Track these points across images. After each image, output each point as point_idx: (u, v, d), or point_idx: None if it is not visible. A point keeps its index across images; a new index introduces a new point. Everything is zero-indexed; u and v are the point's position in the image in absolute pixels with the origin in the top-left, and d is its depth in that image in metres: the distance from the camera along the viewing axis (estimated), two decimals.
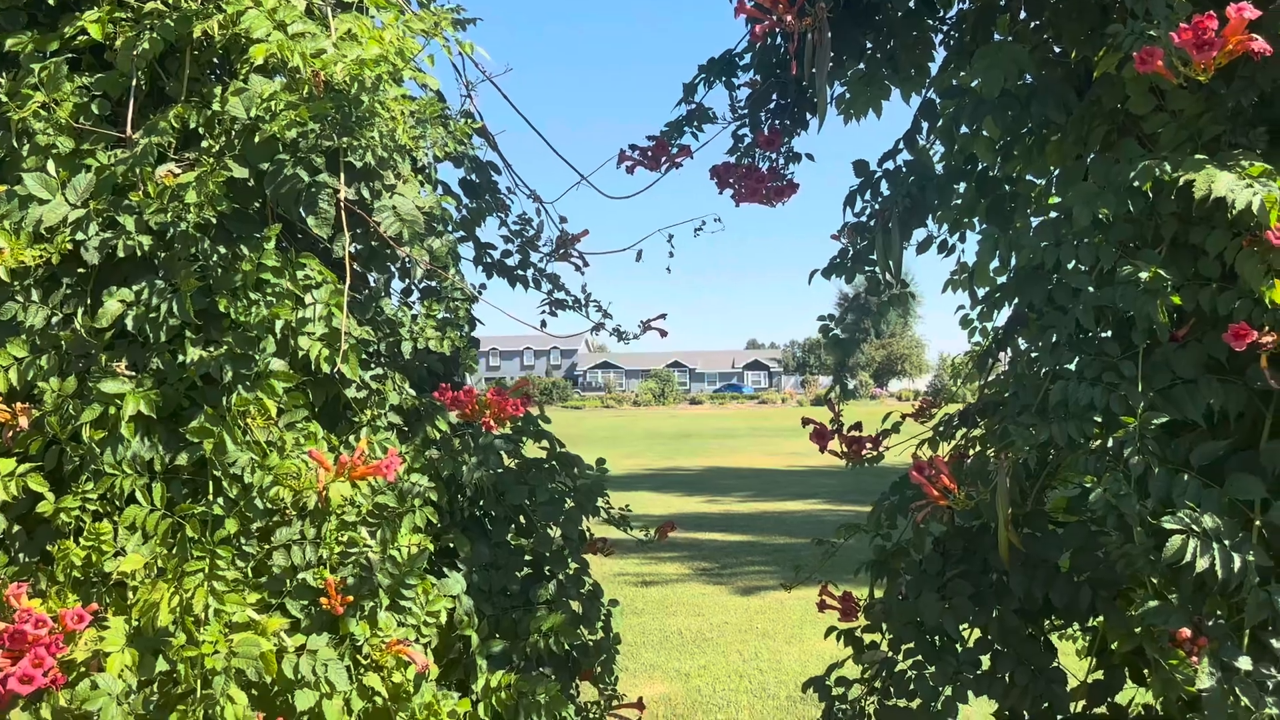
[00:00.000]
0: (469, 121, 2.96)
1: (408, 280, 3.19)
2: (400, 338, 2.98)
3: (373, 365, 2.99)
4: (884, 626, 3.20)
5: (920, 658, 3.02)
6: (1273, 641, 2.33)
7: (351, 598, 2.66)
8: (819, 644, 7.89)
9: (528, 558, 3.30)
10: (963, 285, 3.66)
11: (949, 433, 3.46)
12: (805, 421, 3.23)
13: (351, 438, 2.92)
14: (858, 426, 3.25)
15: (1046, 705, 2.89)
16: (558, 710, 2.92)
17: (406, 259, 2.93)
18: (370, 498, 2.76)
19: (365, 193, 2.85)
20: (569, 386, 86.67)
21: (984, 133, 3.11)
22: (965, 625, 2.99)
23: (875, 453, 3.34)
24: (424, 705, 2.76)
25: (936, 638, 3.02)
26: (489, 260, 3.72)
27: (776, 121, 3.59)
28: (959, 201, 3.45)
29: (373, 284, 3.13)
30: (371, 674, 2.70)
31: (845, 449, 3.21)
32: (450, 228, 3.09)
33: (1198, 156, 2.43)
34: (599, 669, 3.31)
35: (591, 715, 3.43)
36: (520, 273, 3.75)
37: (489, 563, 3.12)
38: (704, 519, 15.82)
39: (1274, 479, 2.43)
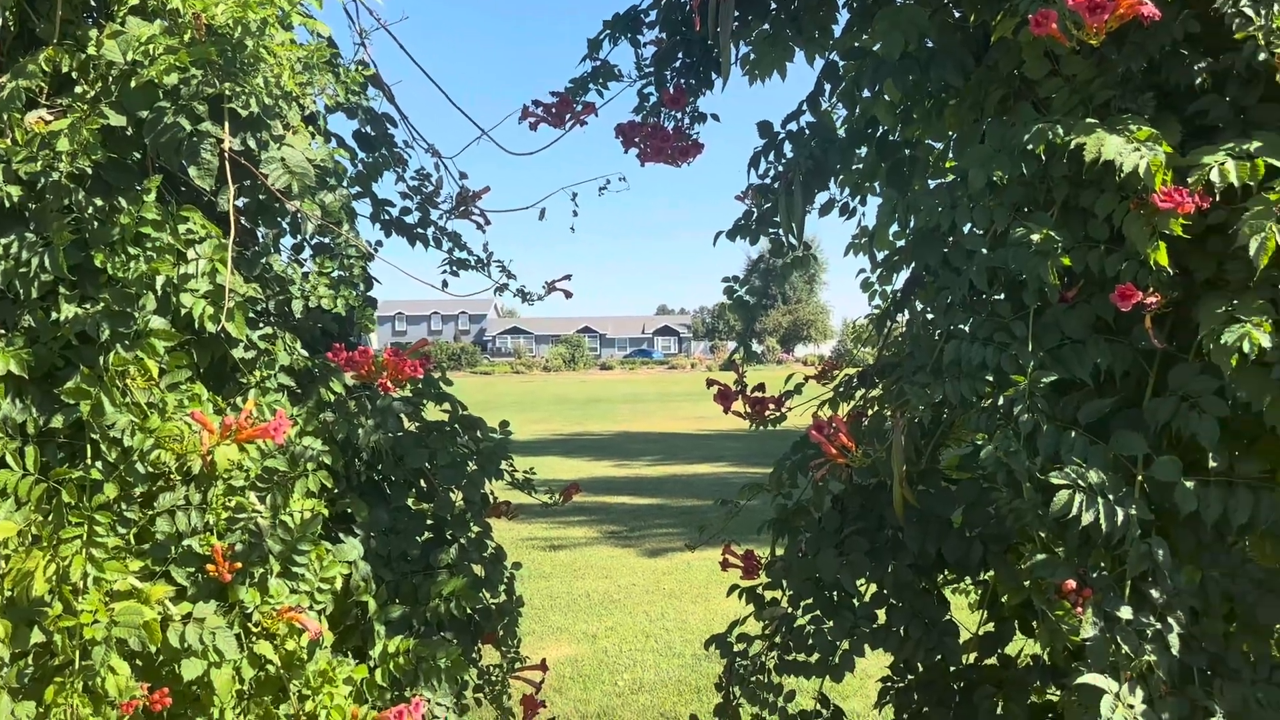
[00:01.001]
0: (360, 69, 2.84)
1: (299, 236, 3.07)
2: (291, 296, 2.88)
3: (261, 324, 2.88)
4: (784, 583, 3.23)
5: (819, 613, 3.07)
6: (1152, 591, 2.42)
7: (240, 564, 2.58)
8: (724, 603, 8.01)
9: (429, 522, 3.24)
10: (863, 249, 3.70)
11: (848, 393, 3.51)
12: (710, 383, 3.23)
13: (239, 399, 2.81)
14: (761, 388, 3.27)
15: (939, 657, 2.97)
16: (459, 674, 2.89)
17: (297, 213, 2.82)
18: (259, 461, 2.66)
19: (252, 143, 2.73)
20: (477, 352, 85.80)
21: (885, 96, 3.12)
22: (862, 581, 3.05)
23: (778, 413, 3.36)
24: (318, 672, 2.69)
25: (834, 593, 3.07)
26: (386, 217, 3.61)
27: (682, 80, 3.55)
28: (860, 165, 3.48)
29: (261, 240, 3.01)
30: (263, 642, 2.62)
31: (748, 410, 3.22)
32: (344, 182, 2.98)
33: (1088, 120, 2.47)
34: (501, 632, 3.28)
35: (494, 678, 3.40)
36: (419, 230, 3.65)
37: (388, 527, 3.06)
38: (612, 482, 15.90)
39: (1156, 436, 2.52)
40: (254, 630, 2.63)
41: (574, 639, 7.48)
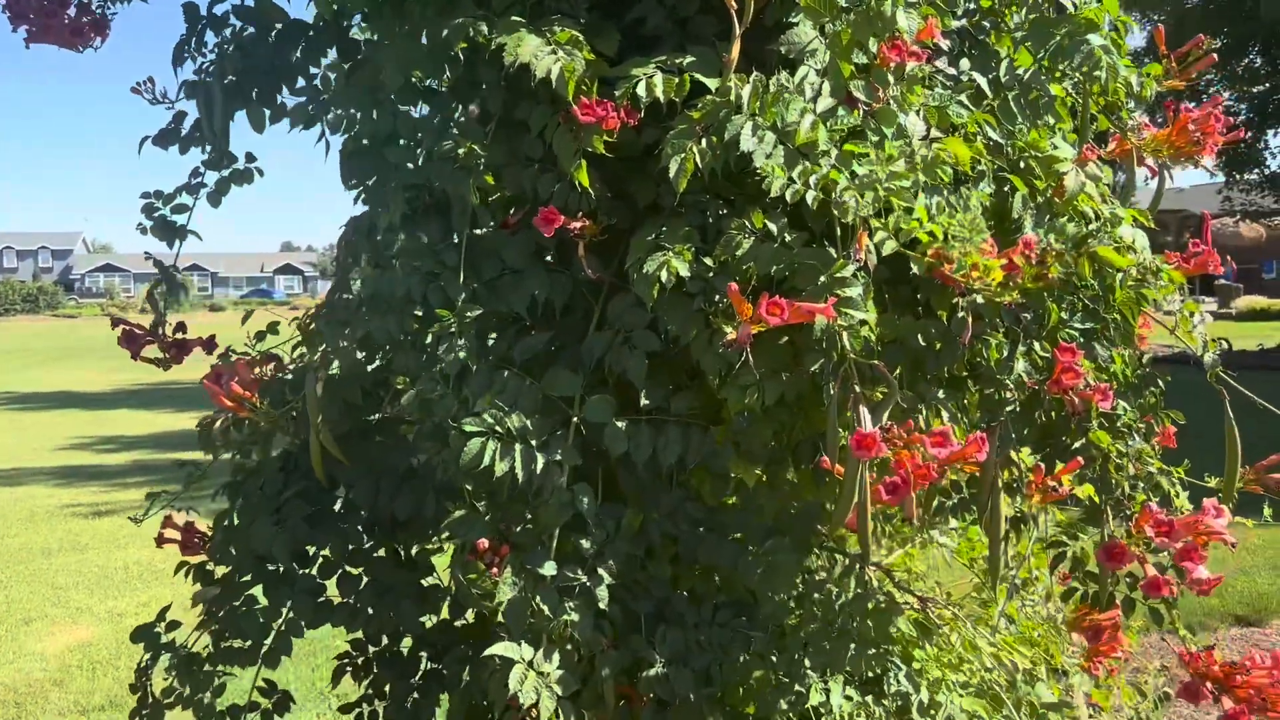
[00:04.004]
0: None
1: None
2: None
3: None
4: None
5: (261, 589, 2.64)
6: (583, 541, 2.24)
7: None
8: None
9: None
10: None
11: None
12: (115, 322, 2.64)
13: None
14: (182, 327, 2.74)
15: (398, 625, 2.66)
16: None
17: None
18: None
19: None
20: (60, 292, 75.57)
21: None
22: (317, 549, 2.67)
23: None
24: None
25: (281, 566, 2.65)
26: None
27: None
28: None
29: None
30: None
31: (168, 355, 2.68)
32: None
33: (515, 19, 2.18)
34: None
35: None
36: None
37: None
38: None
39: (594, 374, 2.33)
40: None
41: (95, 620, 6.51)
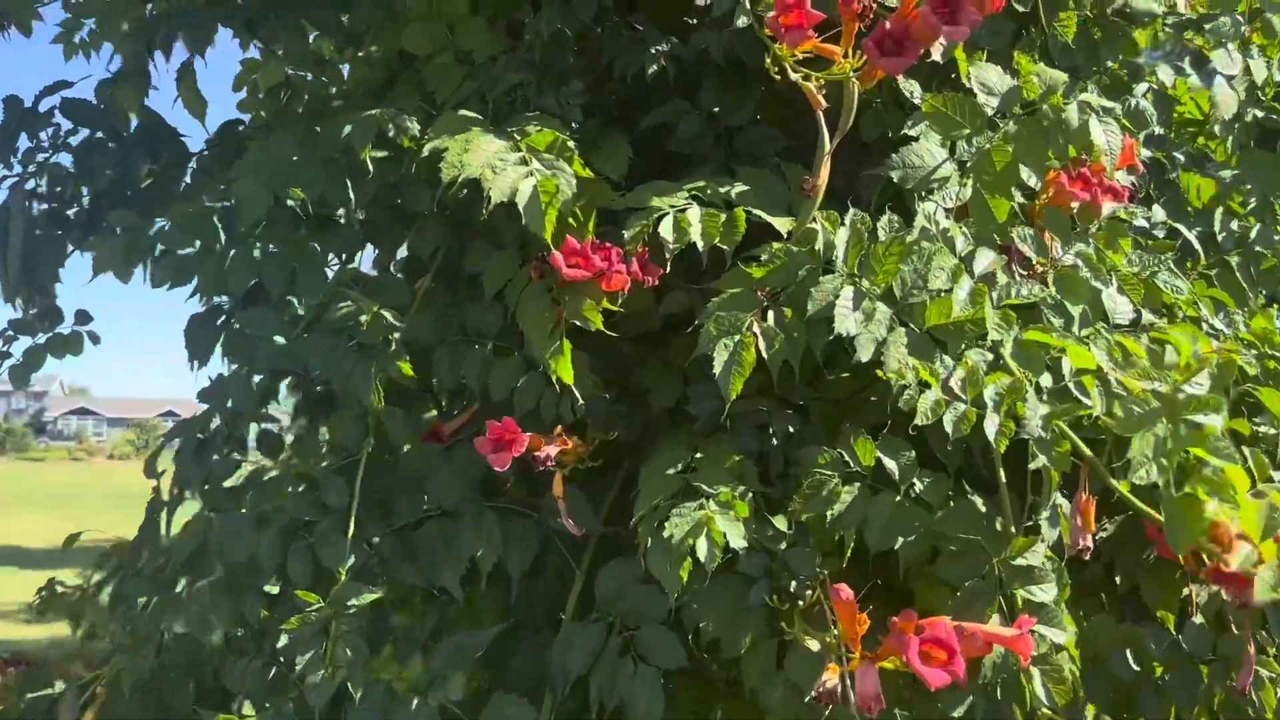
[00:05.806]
0: None
1: None
2: None
3: None
4: None
5: None
6: None
7: None
8: None
9: None
10: None
11: None
12: None
13: None
14: None
15: None
16: None
17: None
18: None
19: None
20: (29, 434, 73.76)
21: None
22: None
23: None
24: None
25: None
26: None
27: None
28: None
29: None
30: None
31: None
32: None
33: (463, 113, 1.34)
34: None
35: None
36: None
37: None
38: None
39: (570, 697, 1.38)
40: None
41: None
